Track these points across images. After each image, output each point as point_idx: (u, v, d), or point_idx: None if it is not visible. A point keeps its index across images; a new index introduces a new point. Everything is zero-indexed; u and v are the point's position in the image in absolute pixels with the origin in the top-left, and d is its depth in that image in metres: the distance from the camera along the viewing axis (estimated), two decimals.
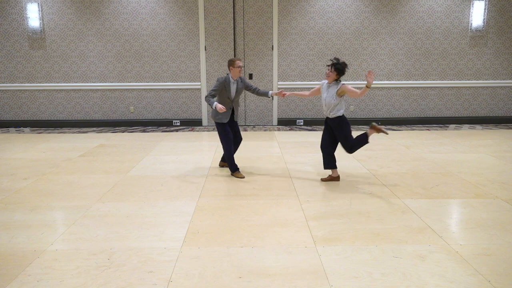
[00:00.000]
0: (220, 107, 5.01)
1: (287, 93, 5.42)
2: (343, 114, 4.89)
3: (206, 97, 5.16)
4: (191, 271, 2.94)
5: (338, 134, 4.93)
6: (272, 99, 5.49)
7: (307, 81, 9.24)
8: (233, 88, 5.28)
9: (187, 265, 3.03)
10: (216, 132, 8.66)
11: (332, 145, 5.05)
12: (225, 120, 5.28)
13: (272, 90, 5.45)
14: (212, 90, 5.19)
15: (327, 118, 4.97)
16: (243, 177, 5.27)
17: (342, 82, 4.82)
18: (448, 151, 6.72)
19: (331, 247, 3.29)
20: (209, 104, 5.12)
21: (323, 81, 5.00)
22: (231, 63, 5.22)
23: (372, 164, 5.90)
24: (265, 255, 3.17)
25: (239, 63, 5.20)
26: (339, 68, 4.75)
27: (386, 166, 5.78)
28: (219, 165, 5.82)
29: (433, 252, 3.21)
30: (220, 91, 5.22)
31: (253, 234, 3.55)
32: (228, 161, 5.37)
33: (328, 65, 4.82)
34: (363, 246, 3.32)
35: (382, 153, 6.60)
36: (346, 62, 6.02)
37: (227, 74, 5.28)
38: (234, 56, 9.12)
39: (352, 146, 4.93)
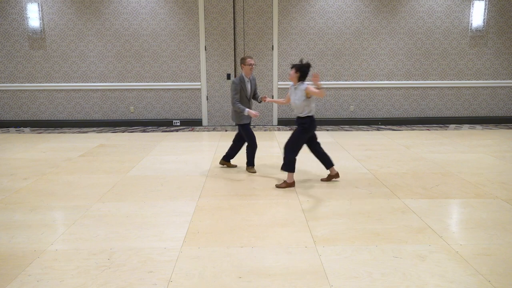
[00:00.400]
0: (254, 113, 5.17)
1: (268, 99, 5.48)
2: (313, 115, 4.83)
3: (234, 104, 5.27)
4: (191, 271, 2.94)
5: (295, 132, 4.83)
6: (260, 102, 5.62)
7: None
8: (248, 86, 5.41)
9: (187, 265, 3.03)
10: (216, 132, 8.67)
11: (317, 143, 5.06)
12: (248, 121, 5.40)
13: (264, 95, 5.56)
14: (234, 95, 5.28)
15: (297, 117, 4.89)
16: (255, 172, 5.52)
17: (306, 83, 4.78)
18: (448, 151, 6.72)
19: (331, 247, 3.29)
20: (241, 111, 5.24)
21: (291, 83, 4.97)
22: (242, 61, 5.33)
23: (372, 164, 5.90)
24: (265, 255, 3.17)
25: (250, 60, 5.28)
26: (297, 68, 4.74)
27: (386, 166, 5.78)
28: (220, 162, 5.84)
29: (433, 252, 3.21)
30: (240, 91, 5.34)
31: (253, 234, 3.55)
32: (251, 156, 5.54)
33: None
34: (363, 246, 3.32)
35: (382, 153, 6.60)
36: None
37: (241, 74, 5.38)
38: (235, 55, 9.12)
39: (290, 153, 4.78)
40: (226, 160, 5.79)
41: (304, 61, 4.80)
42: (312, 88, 4.63)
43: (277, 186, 4.89)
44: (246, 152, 5.58)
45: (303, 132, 4.81)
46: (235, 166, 5.80)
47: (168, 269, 2.97)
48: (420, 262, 3.05)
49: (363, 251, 3.23)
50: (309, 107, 4.78)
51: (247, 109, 5.23)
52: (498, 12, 9.11)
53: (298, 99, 4.78)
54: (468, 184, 4.93)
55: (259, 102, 5.61)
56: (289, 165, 4.81)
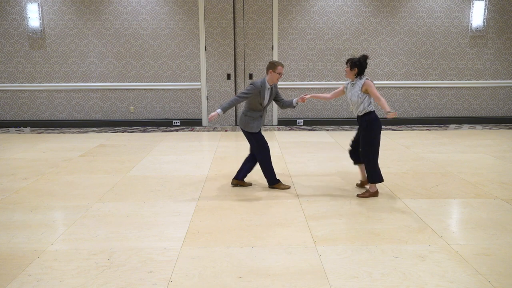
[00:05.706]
0: (213, 115, 4.50)
1: (307, 96, 4.83)
2: (373, 111, 4.38)
3: (239, 97, 4.61)
4: (191, 271, 2.94)
5: (363, 136, 4.42)
6: (295, 106, 5.14)
7: (307, 81, 9.24)
8: (267, 94, 4.71)
9: (187, 265, 3.03)
10: (216, 132, 8.67)
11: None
12: (257, 130, 4.79)
13: (295, 98, 5.11)
14: (244, 93, 4.60)
15: (357, 116, 4.50)
16: (289, 187, 4.83)
17: (366, 78, 4.41)
18: (448, 151, 6.72)
19: (331, 247, 3.29)
20: (226, 106, 4.57)
21: (347, 81, 4.61)
22: (272, 67, 4.58)
23: None
24: (265, 255, 3.17)
25: (281, 69, 4.59)
26: (355, 63, 4.41)
27: (386, 166, 5.78)
28: (232, 183, 4.96)
29: (433, 252, 3.21)
30: (254, 96, 4.63)
31: (253, 234, 3.55)
32: (269, 173, 4.87)
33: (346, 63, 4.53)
34: (363, 246, 3.32)
35: (382, 153, 6.58)
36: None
37: (264, 78, 4.68)
38: (235, 55, 9.12)
39: (371, 161, 4.37)
40: (238, 178, 4.97)
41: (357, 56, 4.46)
42: (372, 87, 4.31)
43: (359, 196, 4.48)
44: (265, 171, 4.86)
45: (371, 132, 4.36)
46: (250, 185, 5.01)
47: (168, 269, 2.97)
48: (420, 262, 3.05)
49: (363, 251, 3.23)
50: (365, 103, 4.37)
51: (219, 109, 4.53)
52: (498, 12, 9.11)
53: (355, 94, 4.40)
54: (468, 184, 4.93)
55: (294, 106, 4.98)
56: (375, 174, 4.39)
